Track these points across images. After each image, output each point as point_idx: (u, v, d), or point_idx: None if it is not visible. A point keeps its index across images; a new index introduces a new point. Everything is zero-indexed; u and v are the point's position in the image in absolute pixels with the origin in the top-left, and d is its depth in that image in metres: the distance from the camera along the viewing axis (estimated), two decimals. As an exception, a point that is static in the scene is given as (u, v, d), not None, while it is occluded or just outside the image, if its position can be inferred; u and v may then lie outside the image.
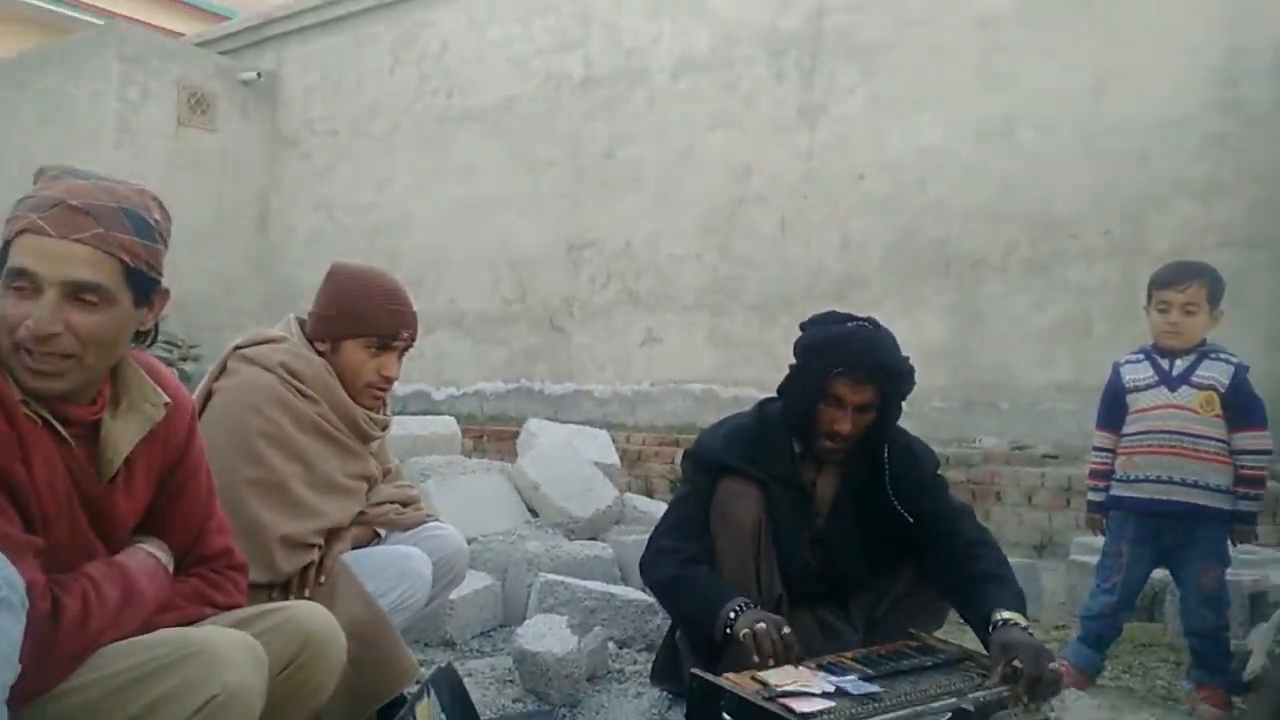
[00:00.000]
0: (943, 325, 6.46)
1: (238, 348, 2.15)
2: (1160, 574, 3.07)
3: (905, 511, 2.35)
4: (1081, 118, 6.19)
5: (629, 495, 4.14)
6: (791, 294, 7.08)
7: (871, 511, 2.40)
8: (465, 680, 2.37)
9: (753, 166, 7.44)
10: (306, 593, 1.98)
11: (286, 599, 1.92)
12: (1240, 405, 2.77)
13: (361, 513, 2.20)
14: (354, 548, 2.17)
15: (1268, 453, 2.79)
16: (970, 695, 1.92)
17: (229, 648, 1.37)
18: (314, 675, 1.54)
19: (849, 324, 2.37)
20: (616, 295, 8.08)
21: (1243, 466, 2.76)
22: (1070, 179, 6.23)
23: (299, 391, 2.08)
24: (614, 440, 4.81)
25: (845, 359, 2.27)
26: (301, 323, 2.21)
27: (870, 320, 2.39)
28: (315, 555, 2.04)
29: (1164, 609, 3.45)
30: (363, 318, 2.14)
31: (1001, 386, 6.39)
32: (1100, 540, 3.04)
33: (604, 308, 8.16)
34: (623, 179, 8.08)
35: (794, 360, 2.42)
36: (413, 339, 2.21)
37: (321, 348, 2.17)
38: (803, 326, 2.46)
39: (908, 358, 2.36)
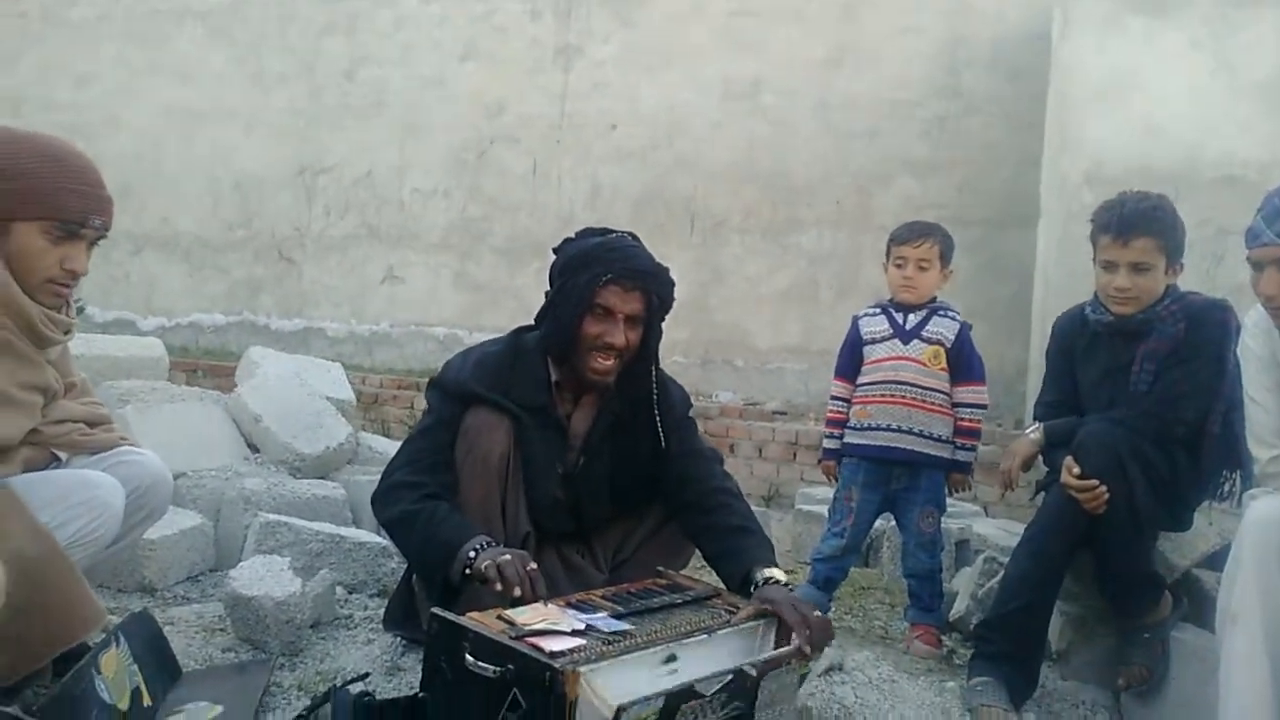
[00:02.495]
0: (686, 282, 6.47)
1: None
2: (879, 523, 3.24)
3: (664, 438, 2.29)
4: (821, 89, 6.47)
5: (364, 434, 3.85)
6: (542, 239, 6.92)
7: (624, 448, 2.34)
8: (166, 629, 2.10)
9: (505, 104, 7.21)
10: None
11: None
12: (963, 361, 2.94)
13: (36, 431, 1.85)
14: (26, 471, 1.82)
15: (984, 407, 3.00)
16: (753, 660, 1.86)
17: None
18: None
19: (610, 235, 2.28)
20: (355, 228, 7.59)
21: (961, 418, 2.93)
22: (808, 148, 6.50)
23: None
24: (349, 382, 4.48)
25: (614, 266, 2.19)
26: None
27: (629, 232, 2.31)
28: (-28, 480, 1.69)
29: (880, 555, 3.66)
30: (42, 195, 1.77)
31: (737, 345, 6.62)
32: (827, 491, 3.15)
33: (340, 240, 7.65)
34: (364, 103, 7.58)
35: (553, 281, 2.29)
36: (106, 228, 1.87)
37: None
38: (557, 250, 2.34)
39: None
